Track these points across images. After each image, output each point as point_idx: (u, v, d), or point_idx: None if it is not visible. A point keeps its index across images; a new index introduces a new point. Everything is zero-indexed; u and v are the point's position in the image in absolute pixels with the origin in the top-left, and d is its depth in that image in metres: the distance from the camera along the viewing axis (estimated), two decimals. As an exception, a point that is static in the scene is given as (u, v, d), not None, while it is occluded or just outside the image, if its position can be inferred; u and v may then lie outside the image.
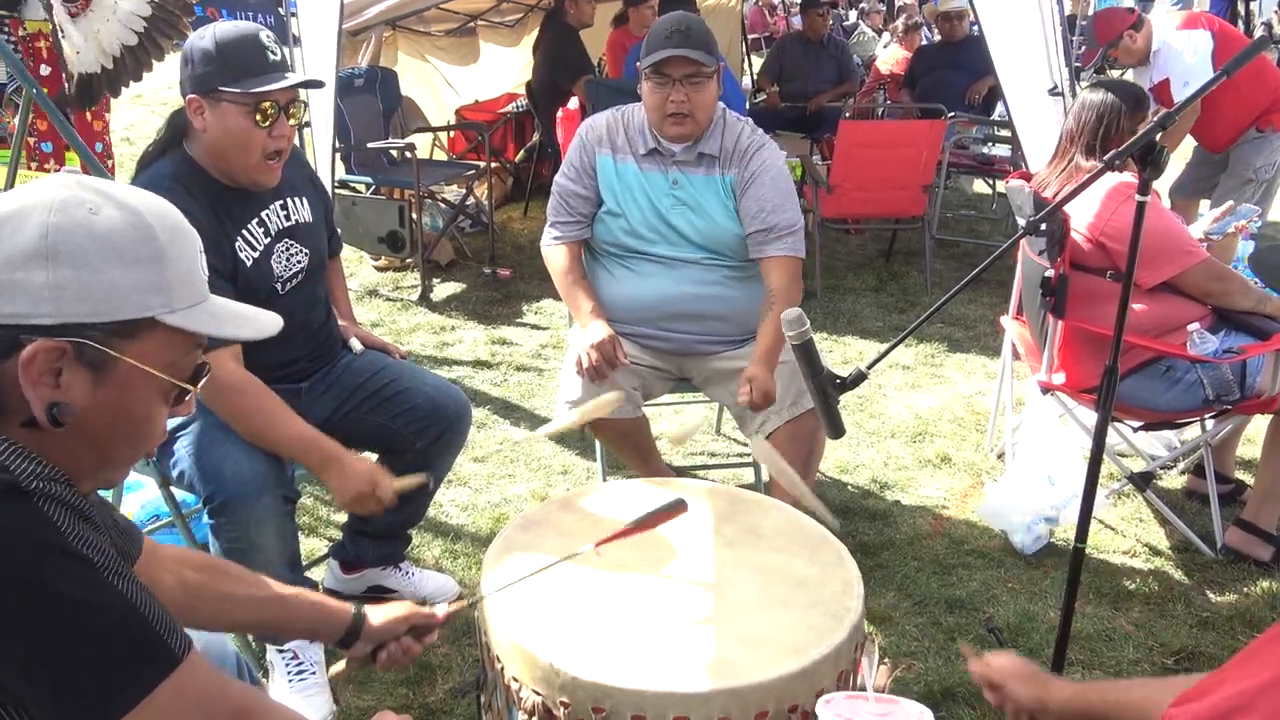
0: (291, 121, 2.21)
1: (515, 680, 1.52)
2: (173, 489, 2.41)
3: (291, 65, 2.27)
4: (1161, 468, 3.40)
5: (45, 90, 3.36)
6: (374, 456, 2.63)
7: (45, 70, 3.62)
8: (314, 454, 2.14)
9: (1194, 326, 2.83)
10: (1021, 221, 3.17)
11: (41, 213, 1.04)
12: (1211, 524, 3.02)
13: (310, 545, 2.97)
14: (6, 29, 3.58)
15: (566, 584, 1.67)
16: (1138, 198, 1.81)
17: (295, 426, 2.15)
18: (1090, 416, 3.00)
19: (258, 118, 2.13)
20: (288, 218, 2.36)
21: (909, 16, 9.24)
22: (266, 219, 2.30)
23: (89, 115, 3.68)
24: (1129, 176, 2.75)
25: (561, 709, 1.44)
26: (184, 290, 1.12)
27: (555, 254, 2.82)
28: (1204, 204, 5.05)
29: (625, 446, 2.89)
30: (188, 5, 3.25)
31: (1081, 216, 2.83)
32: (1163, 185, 4.99)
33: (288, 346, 2.33)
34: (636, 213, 2.72)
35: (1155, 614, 2.71)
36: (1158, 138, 1.75)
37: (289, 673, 2.33)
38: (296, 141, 2.36)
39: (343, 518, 2.99)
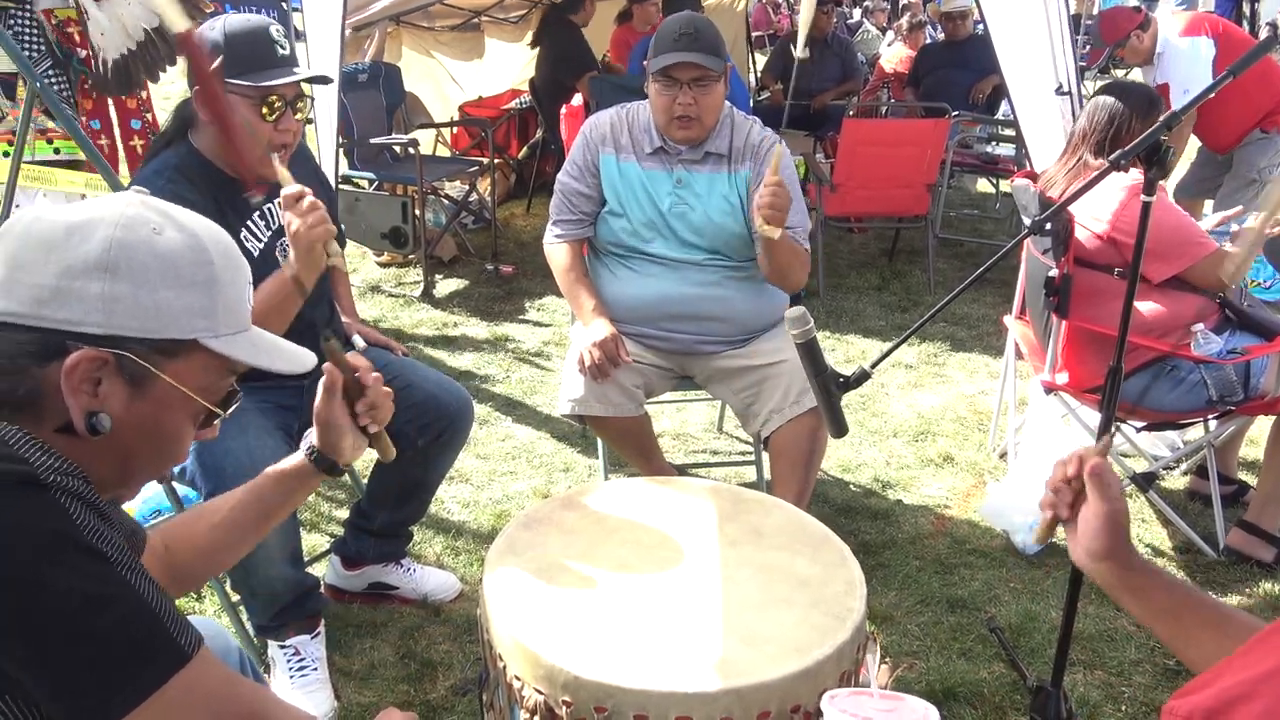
0: (298, 116, 2.21)
1: (517, 679, 1.52)
2: (174, 484, 2.41)
3: (299, 60, 2.26)
4: (1164, 468, 3.40)
5: (58, 78, 3.43)
6: (375, 454, 2.64)
7: (83, 54, 3.70)
8: (287, 285, 2.07)
9: (1198, 327, 2.83)
10: (1026, 221, 3.16)
11: (107, 227, 1.07)
12: (1214, 525, 3.02)
13: (312, 541, 2.97)
14: (16, 16, 3.60)
15: (569, 583, 1.67)
16: (1143, 198, 1.81)
17: (262, 294, 2.03)
18: (1093, 416, 3.00)
19: (264, 111, 2.13)
20: None
21: (913, 15, 9.23)
22: (269, 212, 2.30)
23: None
24: (1139, 173, 2.75)
25: (564, 708, 1.44)
26: (229, 317, 1.15)
27: (557, 252, 2.81)
28: (1208, 204, 5.05)
29: (627, 444, 2.89)
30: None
31: (1093, 214, 2.83)
32: (1167, 186, 4.98)
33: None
34: (638, 212, 2.72)
35: (1157, 615, 2.71)
36: (1162, 138, 1.74)
37: (290, 669, 2.33)
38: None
39: (344, 514, 2.99)
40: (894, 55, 8.67)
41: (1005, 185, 6.66)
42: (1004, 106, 6.54)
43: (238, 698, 1.13)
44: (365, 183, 5.73)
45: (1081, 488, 1.37)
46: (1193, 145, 5.15)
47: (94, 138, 3.85)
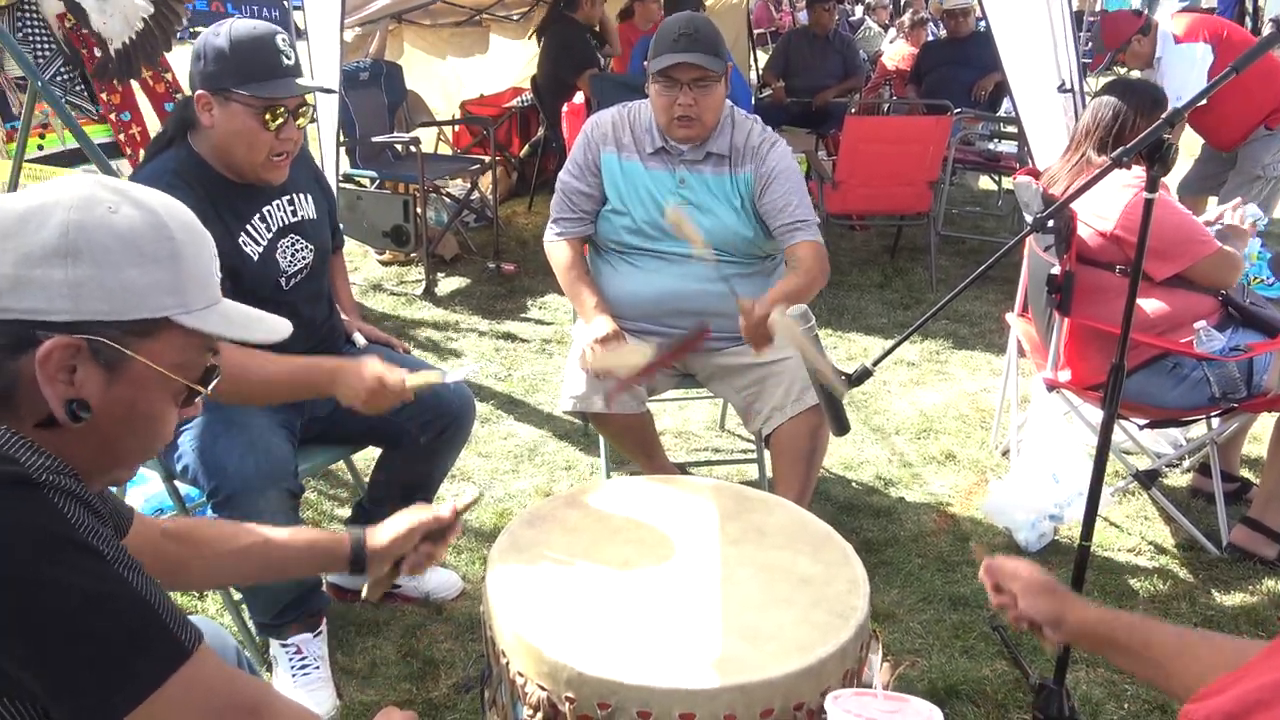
0: (300, 123, 2.21)
1: (520, 675, 1.52)
2: (177, 483, 2.41)
3: (301, 68, 2.26)
4: (1167, 465, 3.39)
5: (71, 75, 3.50)
6: (378, 452, 2.64)
7: (99, 53, 3.75)
8: (316, 375, 2.08)
9: (1201, 324, 2.83)
10: (1029, 218, 3.16)
11: (62, 210, 1.05)
12: (1216, 522, 3.01)
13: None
14: (24, 18, 3.63)
15: (572, 579, 1.66)
16: (1145, 195, 1.81)
17: (283, 364, 2.05)
18: (1095, 414, 3.00)
19: (266, 118, 2.13)
20: (294, 213, 2.36)
21: (915, 12, 9.22)
22: (269, 215, 2.30)
23: (150, 80, 3.90)
24: (1143, 171, 2.74)
25: (567, 704, 1.44)
26: (198, 292, 1.13)
27: (558, 250, 2.81)
28: (1211, 200, 5.04)
29: (629, 442, 2.89)
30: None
31: (1097, 211, 2.83)
32: (1170, 182, 4.97)
33: (291, 342, 2.32)
34: (641, 211, 2.71)
35: (1160, 612, 2.71)
36: (1168, 136, 1.74)
37: (292, 667, 2.33)
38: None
39: (346, 513, 2.99)
40: (896, 52, 8.67)
41: (1007, 182, 6.65)
42: (1006, 103, 6.53)
43: (239, 693, 1.13)
44: (367, 181, 5.73)
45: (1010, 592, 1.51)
46: (1196, 142, 5.15)
47: (124, 128, 3.90)
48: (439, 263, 5.67)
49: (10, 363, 1.04)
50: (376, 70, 5.88)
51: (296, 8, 4.96)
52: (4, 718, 1.01)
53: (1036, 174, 3.19)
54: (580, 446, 3.61)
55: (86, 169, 3.18)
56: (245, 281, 2.20)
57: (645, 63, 2.67)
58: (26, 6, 3.61)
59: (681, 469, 3.27)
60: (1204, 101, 1.84)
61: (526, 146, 7.23)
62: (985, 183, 7.55)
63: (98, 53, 3.66)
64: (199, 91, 2.14)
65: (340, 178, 5.10)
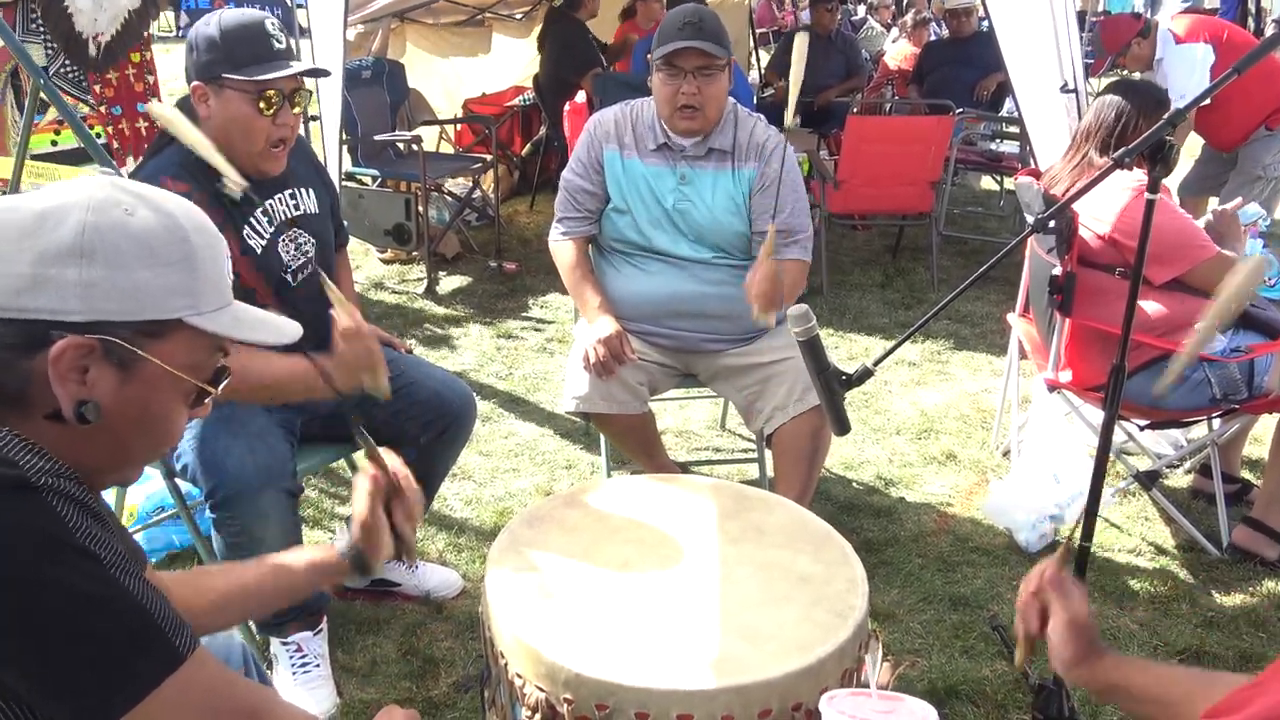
0: (296, 110, 2.21)
1: (519, 676, 1.52)
2: (178, 481, 2.41)
3: (298, 54, 2.26)
4: (1168, 466, 3.39)
5: (74, 70, 3.57)
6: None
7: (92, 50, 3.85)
8: (313, 376, 2.02)
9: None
10: (1030, 219, 3.16)
11: (79, 211, 1.05)
12: (1217, 523, 3.01)
13: (314, 538, 2.97)
14: (37, 12, 3.69)
15: (571, 580, 1.66)
16: (1147, 195, 1.80)
17: (279, 364, 2.03)
18: (1096, 414, 2.99)
19: (261, 105, 2.13)
20: (296, 207, 2.36)
21: (917, 12, 9.20)
22: (271, 208, 2.30)
23: (132, 78, 3.98)
24: (1142, 174, 2.74)
25: (565, 705, 1.44)
26: (211, 294, 1.14)
27: (562, 249, 2.81)
28: (1212, 201, 5.04)
29: (630, 442, 2.89)
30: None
31: (1095, 213, 2.83)
32: (1171, 183, 4.97)
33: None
34: (642, 210, 2.72)
35: (1160, 613, 2.71)
36: (1169, 137, 1.74)
37: (293, 666, 2.33)
38: (303, 133, 2.36)
39: (346, 511, 2.99)
40: (898, 52, 8.66)
41: (1009, 183, 6.65)
42: (1008, 103, 6.53)
43: (236, 695, 1.13)
44: (369, 179, 5.73)
45: (1047, 601, 1.43)
46: (1196, 143, 5.14)
47: (115, 122, 3.93)
48: (441, 261, 5.67)
49: (23, 361, 1.04)
50: (379, 68, 5.87)
51: (299, 6, 4.96)
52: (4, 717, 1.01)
53: (1038, 174, 3.18)
54: (581, 445, 3.61)
55: (104, 171, 3.19)
56: (251, 277, 2.20)
57: (649, 56, 2.67)
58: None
59: (683, 468, 3.27)
60: (1207, 101, 1.84)
61: (528, 145, 7.23)
62: (987, 183, 7.54)
63: (92, 50, 3.71)
64: (194, 83, 2.15)
65: (342, 176, 5.10)
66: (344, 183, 5.22)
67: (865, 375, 1.71)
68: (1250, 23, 10.00)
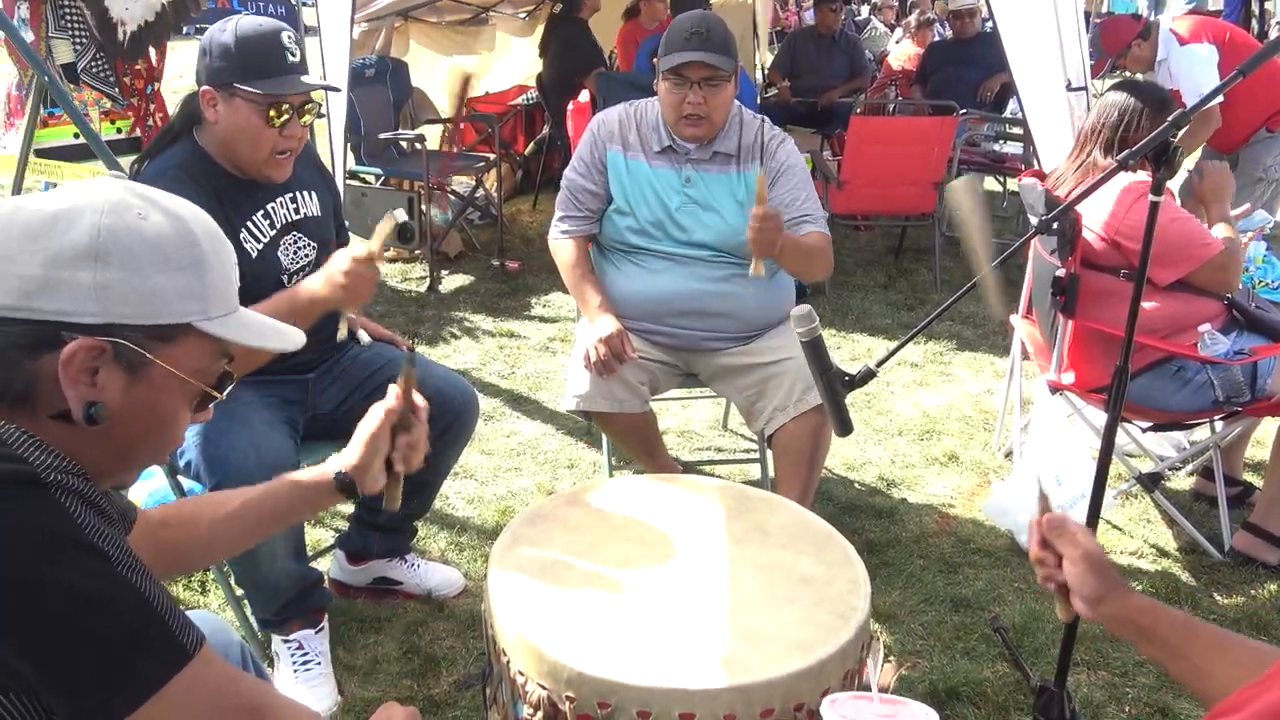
0: (304, 121, 2.21)
1: (521, 674, 1.52)
2: (180, 478, 2.41)
3: (307, 66, 2.25)
4: (1170, 469, 3.39)
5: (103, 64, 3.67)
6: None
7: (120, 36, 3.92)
8: (308, 301, 2.09)
9: (1205, 327, 2.82)
10: (1033, 220, 3.15)
11: (93, 214, 1.06)
12: (1219, 526, 3.01)
13: (316, 536, 2.97)
14: (65, 7, 3.71)
15: (573, 579, 1.67)
16: (1151, 197, 1.80)
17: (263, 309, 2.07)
18: (1099, 416, 2.99)
19: (270, 115, 2.13)
20: (296, 210, 2.36)
21: (921, 12, 9.21)
22: (273, 211, 2.30)
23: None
24: (1143, 176, 2.74)
25: (567, 703, 1.44)
26: (220, 299, 1.15)
27: (563, 248, 2.81)
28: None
29: (632, 441, 2.89)
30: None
31: (1096, 215, 2.82)
32: (1172, 185, 4.96)
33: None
34: (645, 211, 2.71)
35: (1161, 615, 2.70)
36: (1174, 138, 1.73)
37: (294, 663, 2.33)
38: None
39: (349, 509, 2.99)
40: (902, 52, 8.65)
41: (1013, 184, 6.65)
42: (1012, 104, 6.52)
43: (240, 695, 1.13)
44: (372, 178, 5.73)
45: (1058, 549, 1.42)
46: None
47: (149, 115, 4.01)
48: (443, 260, 5.67)
49: (29, 361, 1.05)
50: (382, 67, 5.88)
51: (305, 4, 4.96)
52: (7, 713, 1.01)
53: (1042, 175, 3.18)
54: (583, 444, 3.61)
55: (114, 175, 3.20)
56: (245, 279, 2.19)
57: (654, 59, 2.67)
58: None
59: (684, 468, 3.28)
60: (1216, 101, 1.83)
61: (531, 144, 7.24)
62: (990, 184, 7.53)
63: (120, 36, 3.76)
64: (204, 87, 2.14)
65: (345, 174, 5.10)
66: (347, 181, 5.22)
67: (868, 376, 1.71)
68: (1254, 25, 9.99)
